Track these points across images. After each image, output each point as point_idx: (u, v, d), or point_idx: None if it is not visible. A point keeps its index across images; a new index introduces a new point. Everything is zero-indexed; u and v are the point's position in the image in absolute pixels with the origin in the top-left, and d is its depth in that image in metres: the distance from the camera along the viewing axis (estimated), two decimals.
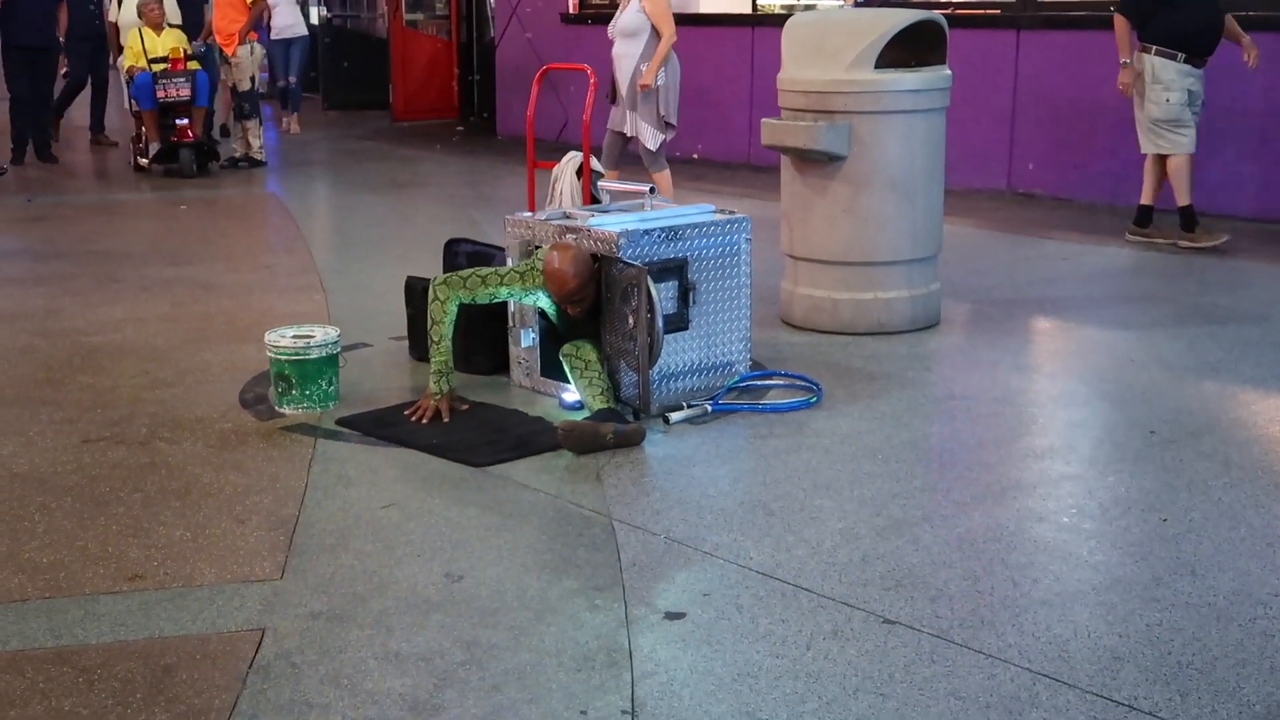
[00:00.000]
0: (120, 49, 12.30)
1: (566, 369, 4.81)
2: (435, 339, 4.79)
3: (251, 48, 11.88)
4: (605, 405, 4.61)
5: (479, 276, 4.83)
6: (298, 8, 14.79)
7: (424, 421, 4.70)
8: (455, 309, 4.79)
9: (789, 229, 6.09)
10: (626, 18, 8.03)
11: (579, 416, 4.62)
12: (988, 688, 2.93)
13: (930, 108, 5.88)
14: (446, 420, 4.71)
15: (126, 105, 12.10)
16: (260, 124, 12.10)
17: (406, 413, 4.78)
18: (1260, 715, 2.81)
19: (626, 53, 7.99)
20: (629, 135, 8.10)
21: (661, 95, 7.99)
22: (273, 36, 14.17)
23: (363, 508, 4.00)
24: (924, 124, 5.87)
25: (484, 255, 5.76)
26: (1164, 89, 7.63)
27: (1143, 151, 7.93)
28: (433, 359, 4.79)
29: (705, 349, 5.00)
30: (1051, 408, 5.01)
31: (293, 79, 14.62)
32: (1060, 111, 9.58)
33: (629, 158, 8.36)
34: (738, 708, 2.86)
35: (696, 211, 5.14)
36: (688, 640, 3.17)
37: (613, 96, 8.17)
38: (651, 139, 8.00)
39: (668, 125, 8.06)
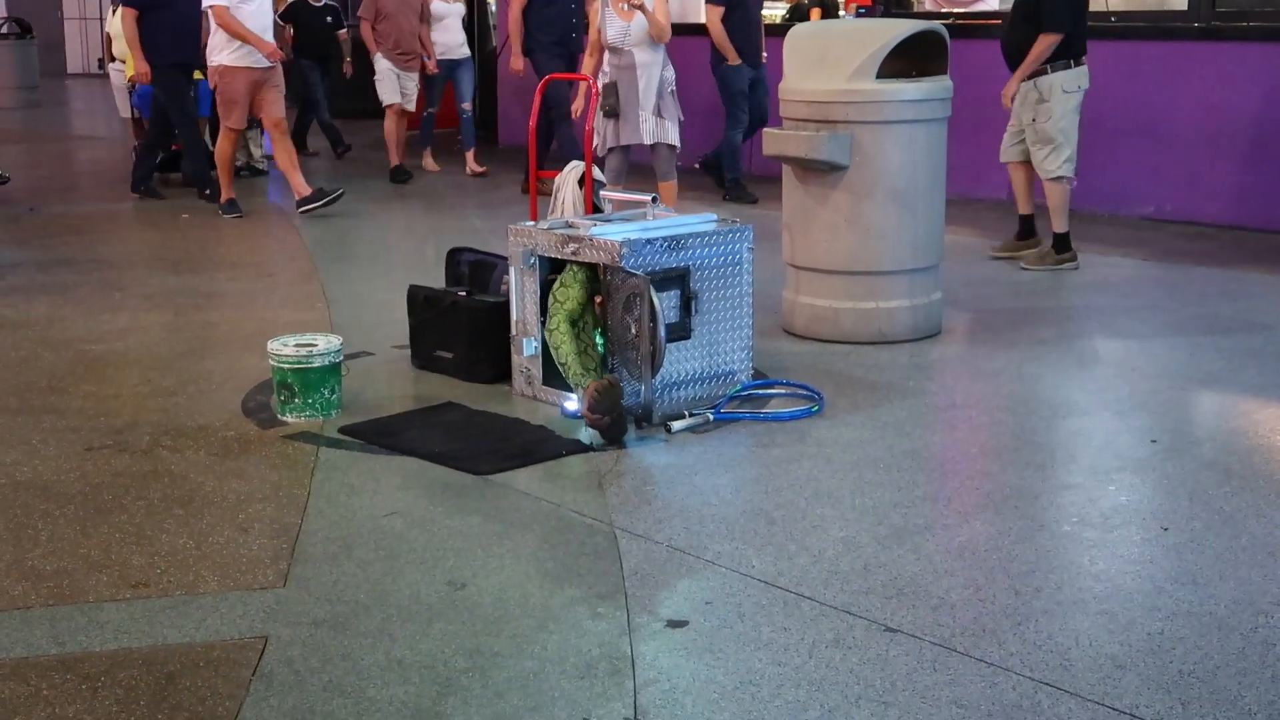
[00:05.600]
0: (112, 55, 12.34)
1: (550, 301, 4.89)
2: (567, 364, 4.84)
3: None
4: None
5: (558, 288, 4.91)
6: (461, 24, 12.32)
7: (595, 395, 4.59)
8: (568, 325, 4.85)
9: (790, 238, 6.10)
10: (641, 23, 7.88)
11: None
12: (989, 696, 2.93)
13: (932, 118, 5.90)
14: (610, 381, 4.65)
15: (128, 114, 12.10)
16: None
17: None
18: None
19: (651, 60, 7.86)
20: (652, 143, 7.96)
21: (677, 100, 8.00)
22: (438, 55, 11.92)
23: (365, 516, 4.01)
24: (925, 134, 5.88)
25: (486, 264, 5.78)
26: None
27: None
28: (575, 380, 4.82)
29: (707, 358, 5.01)
30: (1053, 417, 5.01)
31: (466, 105, 12.16)
32: None
33: (635, 171, 8.31)
34: (740, 715, 2.86)
35: (698, 221, 5.16)
36: (690, 648, 3.17)
37: (613, 111, 8.05)
38: (678, 139, 7.99)
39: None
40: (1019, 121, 7.69)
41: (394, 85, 11.65)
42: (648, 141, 7.93)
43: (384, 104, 11.68)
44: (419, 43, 11.63)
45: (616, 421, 4.54)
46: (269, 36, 9.52)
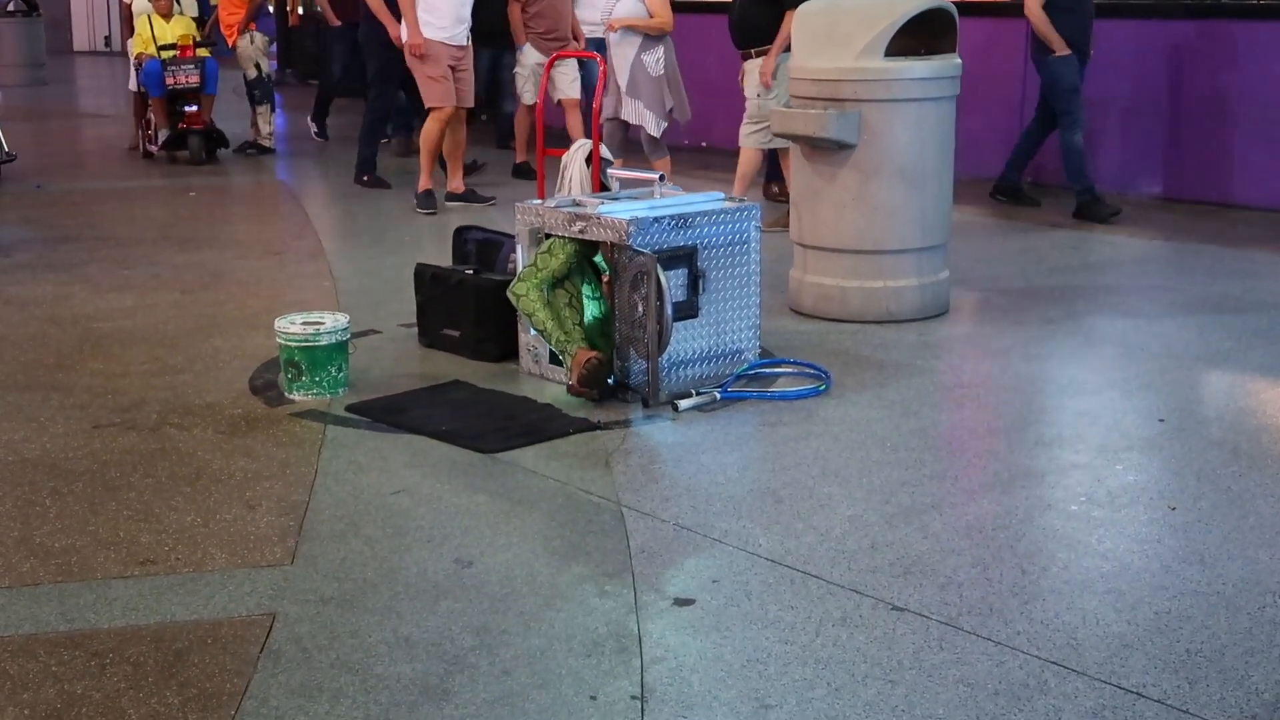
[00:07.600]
0: (132, 31, 12.32)
1: (525, 266, 4.90)
2: (546, 331, 4.81)
3: (251, 37, 11.89)
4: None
5: (541, 253, 4.91)
6: None
7: (585, 371, 4.68)
8: (539, 293, 4.84)
9: (798, 217, 6.09)
10: (626, 6, 8.02)
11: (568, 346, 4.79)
12: (996, 675, 2.93)
13: (940, 96, 5.87)
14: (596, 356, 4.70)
15: (135, 88, 12.07)
16: (272, 110, 12.09)
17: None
18: (1269, 703, 2.82)
19: (626, 41, 8.01)
20: (631, 122, 8.14)
21: (664, 83, 8.03)
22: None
23: (372, 494, 4.01)
24: (934, 112, 5.86)
25: (493, 242, 5.78)
26: None
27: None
28: (558, 346, 4.80)
29: (714, 337, 5.00)
30: (1060, 396, 5.01)
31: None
32: None
33: (630, 145, 8.39)
34: (747, 693, 2.87)
35: (706, 199, 5.15)
36: (697, 626, 3.17)
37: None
38: (655, 126, 8.07)
39: (669, 114, 8.16)
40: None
41: (535, 85, 9.78)
42: (624, 118, 8.11)
43: (523, 102, 10.21)
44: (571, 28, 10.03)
45: (600, 391, 4.75)
46: (465, 12, 8.57)
